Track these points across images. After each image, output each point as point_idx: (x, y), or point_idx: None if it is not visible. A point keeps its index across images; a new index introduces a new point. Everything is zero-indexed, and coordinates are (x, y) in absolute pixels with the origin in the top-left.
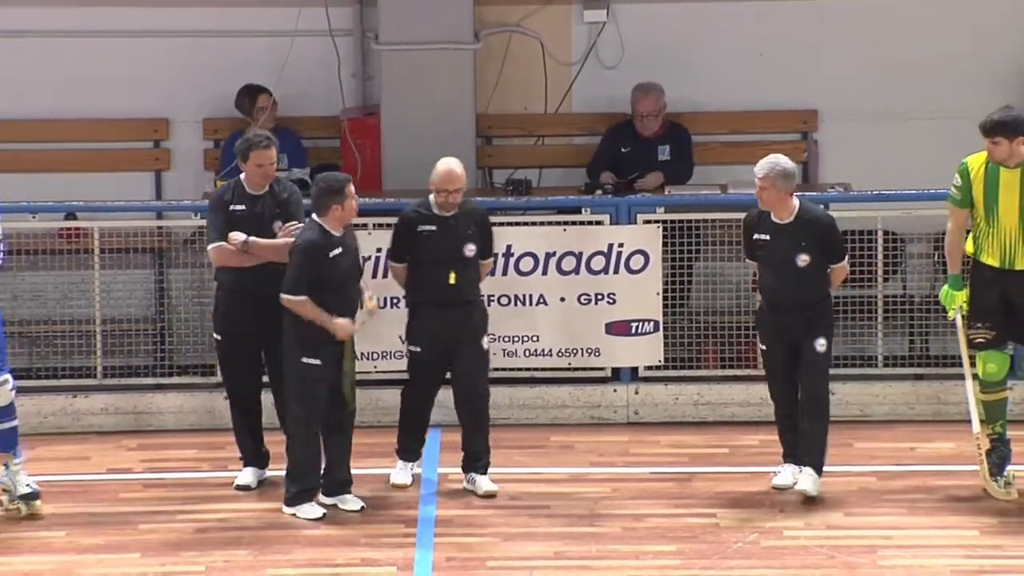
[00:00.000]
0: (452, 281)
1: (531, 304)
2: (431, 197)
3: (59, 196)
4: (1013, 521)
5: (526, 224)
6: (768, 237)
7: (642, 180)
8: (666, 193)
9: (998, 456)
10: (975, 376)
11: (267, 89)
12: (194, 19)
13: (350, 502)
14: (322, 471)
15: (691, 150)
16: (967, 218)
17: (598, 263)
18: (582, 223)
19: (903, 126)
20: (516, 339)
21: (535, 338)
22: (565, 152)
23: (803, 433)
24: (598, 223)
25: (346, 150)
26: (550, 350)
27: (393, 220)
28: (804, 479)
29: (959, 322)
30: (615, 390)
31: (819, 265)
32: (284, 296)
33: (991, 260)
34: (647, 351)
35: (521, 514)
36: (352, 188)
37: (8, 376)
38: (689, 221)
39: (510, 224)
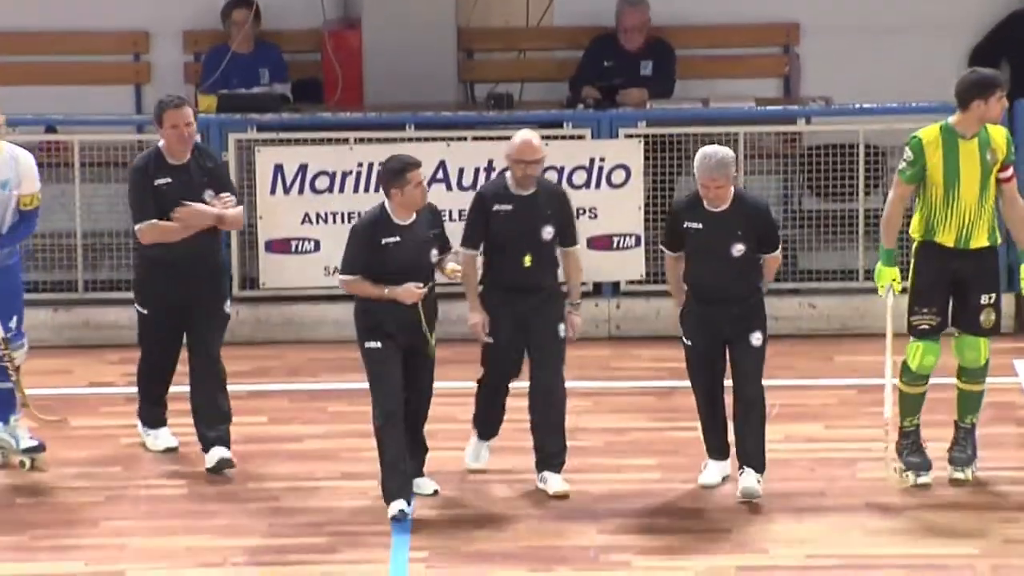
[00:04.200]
0: (527, 264)
1: None
2: (507, 174)
3: (39, 110)
4: (991, 433)
5: (507, 139)
6: (700, 226)
7: (625, 93)
8: (648, 107)
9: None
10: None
11: (249, 2)
12: None
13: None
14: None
15: (674, 68)
16: (912, 195)
17: (580, 177)
18: (563, 138)
19: (885, 39)
20: None
21: None
22: (547, 66)
23: (741, 436)
24: (579, 137)
25: (327, 64)
26: None
27: (375, 134)
28: (748, 479)
29: (889, 301)
30: (596, 304)
31: (753, 255)
32: (338, 277)
33: (946, 239)
34: (628, 266)
35: (504, 429)
36: (416, 174)
37: (25, 341)
38: (671, 135)
39: (491, 139)
